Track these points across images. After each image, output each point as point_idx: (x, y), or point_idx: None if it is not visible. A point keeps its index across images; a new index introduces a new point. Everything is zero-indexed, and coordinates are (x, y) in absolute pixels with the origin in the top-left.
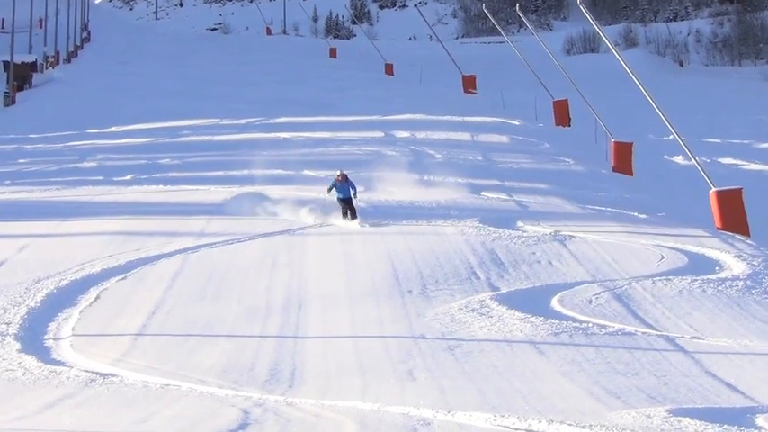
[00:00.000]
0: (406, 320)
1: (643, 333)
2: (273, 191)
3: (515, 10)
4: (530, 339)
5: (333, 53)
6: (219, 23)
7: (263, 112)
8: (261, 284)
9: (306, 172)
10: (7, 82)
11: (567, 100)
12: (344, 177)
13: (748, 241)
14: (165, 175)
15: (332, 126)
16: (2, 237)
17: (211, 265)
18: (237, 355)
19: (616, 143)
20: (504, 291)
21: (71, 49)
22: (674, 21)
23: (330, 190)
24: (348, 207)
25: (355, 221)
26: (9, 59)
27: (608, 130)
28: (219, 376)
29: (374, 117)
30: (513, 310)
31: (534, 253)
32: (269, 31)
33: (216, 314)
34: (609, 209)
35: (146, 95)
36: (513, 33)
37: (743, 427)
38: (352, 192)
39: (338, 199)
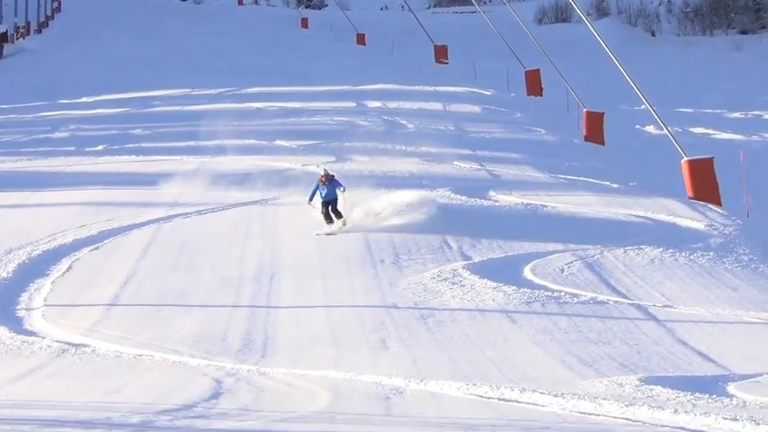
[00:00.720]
0: (379, 290)
1: (615, 302)
2: (248, 161)
3: None
4: (502, 308)
5: (304, 23)
6: None
7: (235, 82)
8: (233, 254)
9: (278, 142)
10: None
11: (538, 70)
12: (329, 178)
13: (720, 210)
14: (136, 145)
15: (304, 96)
16: None
17: (184, 235)
18: (210, 324)
19: (588, 113)
20: (477, 260)
21: (42, 19)
22: None
23: (312, 198)
24: (332, 208)
25: (337, 223)
26: None
27: (580, 99)
28: (192, 346)
29: (346, 87)
30: (485, 280)
31: (506, 222)
32: (240, 1)
33: (189, 284)
34: (581, 178)
35: (117, 65)
36: (485, 3)
37: (714, 395)
38: (339, 189)
39: (322, 201)
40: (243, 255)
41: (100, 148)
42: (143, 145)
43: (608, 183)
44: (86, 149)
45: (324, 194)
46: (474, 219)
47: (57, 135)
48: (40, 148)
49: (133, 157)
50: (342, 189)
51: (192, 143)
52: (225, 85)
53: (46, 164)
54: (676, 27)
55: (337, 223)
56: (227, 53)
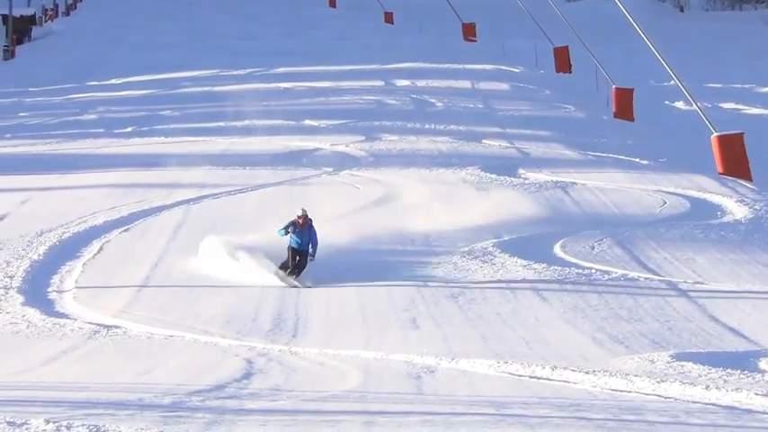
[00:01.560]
0: (409, 269)
1: (646, 279)
2: (276, 141)
3: None
4: (533, 286)
5: (332, 2)
6: None
7: (263, 62)
8: (264, 234)
9: (307, 122)
10: (6, 36)
11: (567, 47)
12: (307, 222)
13: (750, 186)
14: (165, 126)
15: (332, 75)
16: (4, 190)
17: (213, 216)
18: (241, 305)
19: (617, 89)
20: (507, 238)
21: (70, 1)
22: None
23: (285, 233)
24: (299, 259)
25: (290, 279)
26: (8, 13)
27: (609, 76)
28: (223, 327)
29: (374, 66)
30: (515, 258)
31: (536, 200)
32: None
33: (219, 265)
34: (610, 155)
35: (145, 47)
36: None
37: (746, 371)
38: (310, 247)
39: (291, 247)
40: (273, 235)
41: (129, 129)
42: (172, 126)
43: (637, 159)
44: (115, 131)
45: (297, 241)
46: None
47: (85, 117)
48: (70, 131)
49: (162, 138)
50: (313, 251)
51: (220, 124)
52: (253, 66)
53: (75, 146)
54: (705, 2)
55: (295, 279)
56: (255, 34)
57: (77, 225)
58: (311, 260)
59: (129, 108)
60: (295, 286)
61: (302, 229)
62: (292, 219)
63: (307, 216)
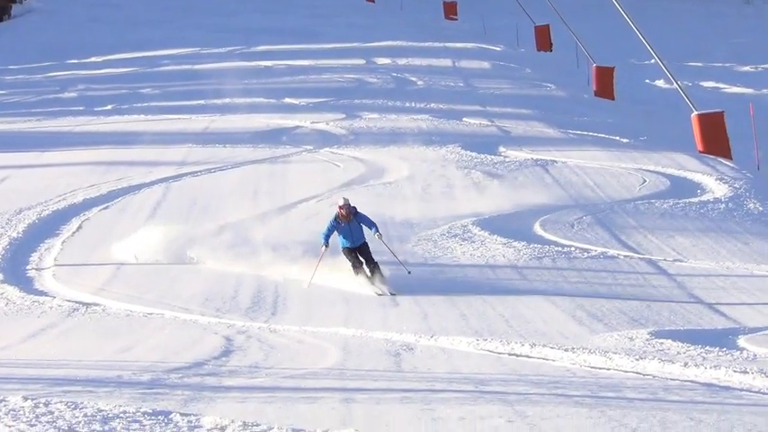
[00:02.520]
0: (389, 246)
1: (625, 257)
2: (257, 119)
3: None
4: (512, 264)
5: None
6: None
7: (244, 40)
8: (243, 212)
9: (287, 100)
10: None
11: (548, 25)
12: (351, 211)
13: (730, 164)
14: (145, 104)
15: (313, 54)
16: None
17: (193, 194)
18: (220, 283)
19: (598, 68)
20: (487, 216)
21: None
22: None
23: (328, 238)
24: (363, 257)
25: (380, 285)
26: None
27: (589, 54)
28: (202, 304)
29: (355, 44)
30: (495, 235)
31: (516, 178)
32: None
33: (199, 242)
34: (591, 133)
35: (125, 25)
36: None
37: (724, 349)
38: (373, 233)
39: (345, 249)
40: (252, 213)
41: (109, 107)
42: (152, 104)
43: (618, 137)
44: (95, 109)
45: (348, 237)
46: (484, 174)
47: (66, 95)
48: (50, 109)
49: (142, 116)
50: (376, 233)
51: (201, 102)
52: (234, 44)
53: (55, 124)
54: None
55: (378, 283)
56: (235, 12)
57: (57, 203)
58: (379, 237)
59: (110, 86)
60: (392, 293)
61: (347, 221)
62: (333, 215)
63: (349, 205)
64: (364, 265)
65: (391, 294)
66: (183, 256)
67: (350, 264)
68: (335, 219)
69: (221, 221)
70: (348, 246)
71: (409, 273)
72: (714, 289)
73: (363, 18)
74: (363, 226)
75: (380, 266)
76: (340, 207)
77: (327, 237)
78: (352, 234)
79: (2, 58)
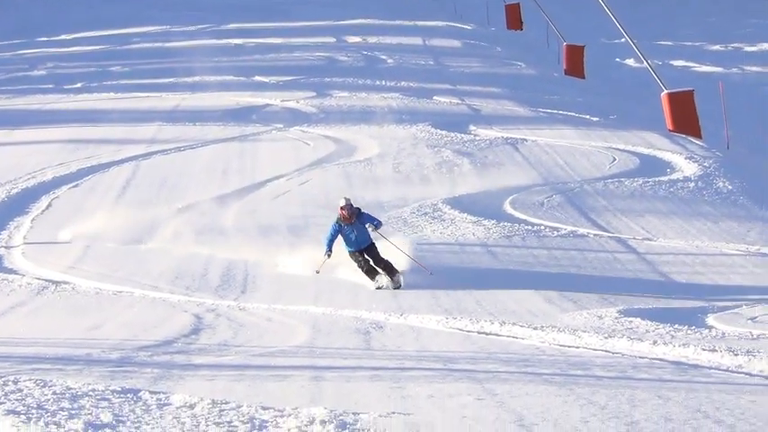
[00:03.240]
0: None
1: (595, 235)
2: (227, 97)
3: None
4: (482, 242)
5: None
6: None
7: (214, 18)
8: (213, 190)
9: (257, 78)
10: None
11: (518, 3)
12: (353, 212)
13: (700, 143)
14: (115, 82)
15: (283, 32)
16: None
17: (163, 172)
18: (190, 261)
19: (568, 46)
20: (457, 194)
21: None
22: None
23: (332, 245)
24: (374, 259)
25: (386, 277)
26: None
27: (560, 33)
28: (171, 282)
29: (326, 22)
30: (465, 214)
31: (487, 156)
32: None
33: (169, 221)
34: (561, 112)
35: (95, 2)
36: None
37: (693, 327)
38: (371, 228)
39: (354, 252)
40: (222, 191)
41: (78, 85)
42: (122, 82)
43: (588, 116)
44: (65, 87)
45: (352, 241)
46: (454, 153)
47: (35, 73)
48: (18, 87)
49: (112, 94)
50: (374, 225)
51: (171, 80)
52: (204, 22)
53: (24, 102)
54: None
55: (385, 278)
56: None
57: (26, 181)
58: (373, 229)
59: (79, 64)
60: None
61: (350, 223)
62: (333, 223)
63: (351, 205)
64: (380, 270)
65: (395, 287)
66: (144, 239)
67: (363, 272)
68: (337, 222)
69: (190, 200)
70: (354, 249)
71: (431, 274)
72: (683, 267)
73: None
74: (368, 224)
75: (394, 270)
76: (342, 208)
77: (331, 243)
78: (357, 236)
79: None
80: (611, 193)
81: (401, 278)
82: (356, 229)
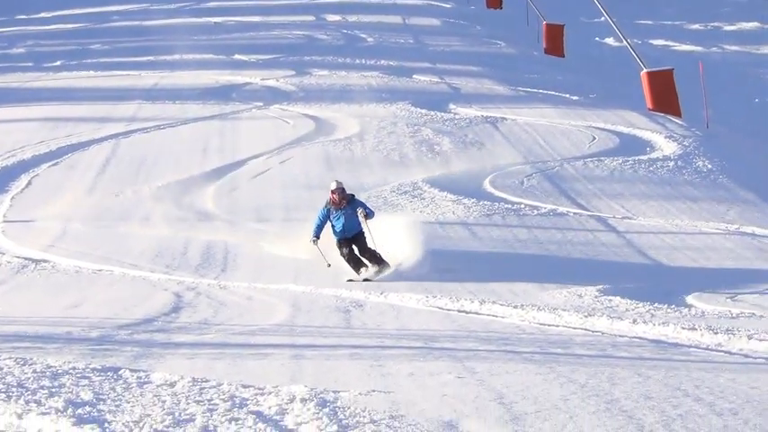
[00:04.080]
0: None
1: (575, 214)
2: (206, 76)
3: None
4: (462, 221)
5: None
6: None
7: None
8: (193, 169)
9: (237, 56)
10: None
11: None
12: (345, 197)
13: (679, 122)
14: (95, 60)
15: (262, 10)
16: None
17: (143, 151)
18: (170, 240)
19: (548, 25)
20: (437, 173)
21: None
22: None
23: (320, 231)
24: (359, 248)
25: (372, 269)
26: None
27: (539, 11)
28: (152, 261)
29: (305, 0)
30: (445, 192)
31: (466, 135)
32: None
33: (149, 199)
34: (540, 91)
35: None
36: None
37: (673, 306)
38: (362, 214)
39: (339, 240)
40: (202, 169)
41: (58, 63)
42: (101, 60)
43: (567, 95)
44: (44, 65)
45: (340, 227)
46: (434, 132)
47: (14, 51)
48: None
49: (91, 72)
50: (365, 213)
51: (150, 58)
52: (183, 0)
53: (3, 80)
54: None
55: (372, 269)
56: None
57: (5, 159)
58: (366, 216)
59: (59, 42)
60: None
61: (341, 207)
62: (322, 208)
63: (343, 189)
64: (365, 261)
65: (377, 275)
66: (124, 218)
67: (346, 261)
68: (326, 206)
69: (170, 178)
70: (340, 237)
71: (397, 267)
72: (663, 246)
73: None
74: (359, 211)
75: (382, 260)
76: (332, 192)
77: (318, 229)
78: (345, 223)
79: None
80: (591, 172)
81: (388, 269)
82: (345, 216)
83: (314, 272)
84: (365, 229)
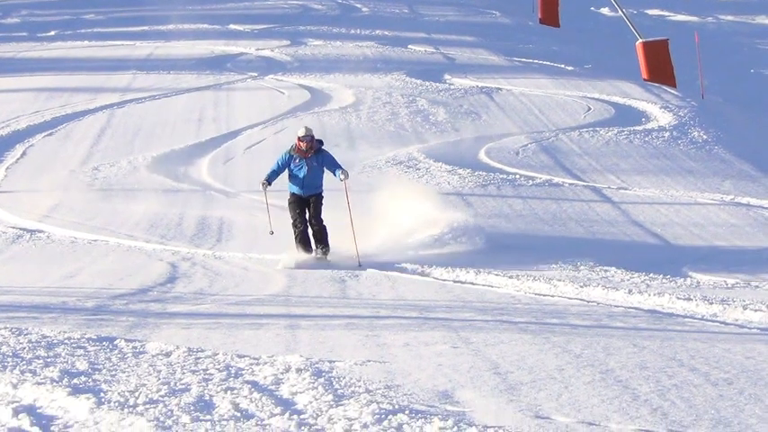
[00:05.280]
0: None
1: (570, 184)
2: (201, 46)
3: None
4: (457, 191)
5: None
6: None
7: None
8: (188, 139)
9: (232, 26)
10: None
11: None
12: (313, 146)
13: (674, 92)
14: (89, 30)
15: None
16: None
17: (138, 121)
18: (165, 210)
19: None
20: (432, 143)
21: None
22: None
23: (274, 177)
24: (312, 213)
25: (315, 252)
26: None
27: None
28: (147, 231)
29: None
30: (440, 163)
31: (462, 105)
32: None
33: (143, 169)
34: (536, 61)
35: None
36: None
37: (668, 276)
38: (337, 172)
39: (293, 197)
40: (197, 139)
41: (52, 33)
42: (96, 30)
43: (563, 65)
44: (39, 35)
45: (298, 181)
46: (429, 102)
47: (8, 21)
48: None
49: (86, 42)
50: (342, 175)
51: (145, 28)
52: None
53: None
54: None
55: (314, 252)
56: None
57: (0, 129)
58: (344, 178)
59: (53, 11)
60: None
61: (307, 155)
62: (284, 152)
63: (312, 137)
64: (312, 244)
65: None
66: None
67: (292, 222)
68: (289, 152)
69: (165, 148)
70: (296, 192)
71: (360, 266)
72: (658, 217)
73: None
74: (326, 170)
75: (324, 243)
76: (299, 138)
77: (274, 174)
78: (307, 177)
79: None
80: (587, 143)
81: (327, 255)
82: (308, 167)
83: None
84: (347, 201)
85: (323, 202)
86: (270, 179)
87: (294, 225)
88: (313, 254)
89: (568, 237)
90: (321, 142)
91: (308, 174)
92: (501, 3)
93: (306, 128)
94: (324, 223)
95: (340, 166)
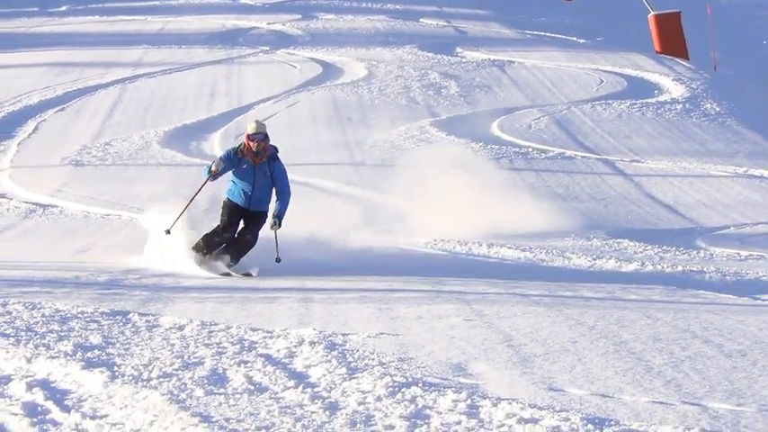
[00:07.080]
0: (346, 148)
1: (583, 157)
2: (212, 20)
3: None
4: (470, 165)
5: None
6: None
7: None
8: (200, 113)
9: (243, 0)
10: None
11: None
12: (266, 149)
13: (687, 64)
14: (100, 5)
15: None
16: None
17: (150, 95)
18: (178, 185)
19: None
20: (444, 117)
21: None
22: None
23: (218, 171)
24: (248, 231)
25: (235, 262)
26: None
27: None
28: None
29: None
30: (452, 136)
31: (474, 78)
32: None
33: (155, 144)
34: (548, 34)
35: None
36: None
37: (681, 248)
38: (277, 206)
39: (227, 202)
40: (209, 114)
41: (63, 8)
42: (107, 5)
43: (575, 38)
44: (50, 10)
45: (240, 191)
46: (441, 75)
47: None
48: (3, 10)
49: (97, 17)
50: (275, 219)
51: (156, 2)
52: None
53: (9, 25)
54: None
55: (230, 267)
56: None
57: (12, 104)
58: (275, 227)
59: None
60: (226, 274)
61: (255, 162)
62: (230, 149)
63: (267, 137)
64: (232, 241)
65: (243, 274)
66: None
67: (219, 226)
68: (236, 152)
69: (177, 123)
70: (239, 204)
71: (278, 261)
72: (671, 189)
73: None
74: (273, 185)
75: (248, 250)
76: (248, 137)
77: (212, 172)
78: (255, 188)
79: None
80: (599, 115)
81: (239, 269)
82: (256, 176)
83: (323, 212)
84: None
85: (263, 220)
86: (212, 175)
87: (216, 232)
88: (219, 262)
89: (581, 209)
90: (276, 149)
91: (255, 186)
92: None
93: (257, 122)
94: (249, 238)
95: (285, 199)
